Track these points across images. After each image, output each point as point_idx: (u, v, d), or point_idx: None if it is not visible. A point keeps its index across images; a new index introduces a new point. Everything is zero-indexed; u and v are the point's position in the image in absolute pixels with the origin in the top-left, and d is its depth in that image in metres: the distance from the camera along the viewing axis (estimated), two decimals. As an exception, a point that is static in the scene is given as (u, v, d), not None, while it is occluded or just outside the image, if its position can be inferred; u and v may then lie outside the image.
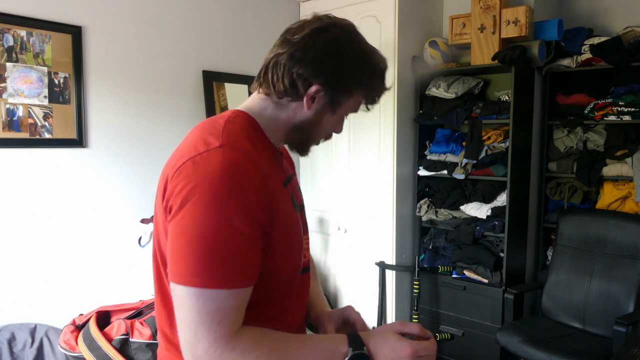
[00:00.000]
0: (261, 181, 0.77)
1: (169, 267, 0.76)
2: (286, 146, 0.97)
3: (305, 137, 0.92)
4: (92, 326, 2.09)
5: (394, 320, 3.07)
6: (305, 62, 0.83)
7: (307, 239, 1.00)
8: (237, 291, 0.74)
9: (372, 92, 0.90)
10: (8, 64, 2.18)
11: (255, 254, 0.76)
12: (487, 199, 2.86)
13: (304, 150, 0.95)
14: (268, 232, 0.79)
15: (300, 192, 1.03)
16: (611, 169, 2.69)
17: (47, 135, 2.30)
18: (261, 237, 0.77)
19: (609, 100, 2.70)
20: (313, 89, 0.84)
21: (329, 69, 0.84)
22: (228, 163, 0.75)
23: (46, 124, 2.30)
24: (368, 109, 0.94)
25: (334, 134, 0.97)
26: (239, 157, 0.77)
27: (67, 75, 2.36)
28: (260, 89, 0.89)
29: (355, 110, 0.93)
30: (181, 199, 0.74)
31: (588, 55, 2.77)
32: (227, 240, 0.72)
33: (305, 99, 0.86)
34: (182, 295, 0.73)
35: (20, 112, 2.22)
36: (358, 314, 1.03)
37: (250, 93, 0.96)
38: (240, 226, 0.73)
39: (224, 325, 0.73)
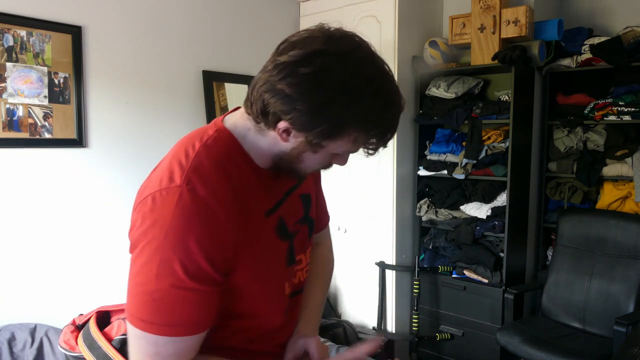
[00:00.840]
0: (221, 226, 0.73)
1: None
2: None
3: (291, 168, 0.82)
4: (92, 326, 2.08)
5: (394, 320, 3.07)
6: (275, 93, 0.71)
7: (304, 258, 0.95)
8: (178, 339, 0.73)
9: (370, 133, 0.75)
10: (8, 64, 2.18)
11: (202, 303, 0.74)
12: (487, 199, 2.86)
13: (296, 177, 0.86)
14: (229, 275, 0.77)
15: (308, 199, 0.97)
16: (611, 169, 2.69)
17: (47, 135, 2.30)
18: (214, 284, 0.74)
19: (609, 100, 2.70)
20: (281, 125, 0.74)
21: (300, 107, 0.70)
22: (181, 210, 0.70)
23: (46, 124, 2.30)
24: (369, 154, 0.79)
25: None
26: (196, 201, 0.72)
27: (67, 75, 2.36)
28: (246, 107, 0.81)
29: (352, 150, 0.79)
30: (136, 237, 0.74)
31: (588, 55, 2.77)
32: (169, 290, 0.70)
33: (277, 133, 0.76)
34: (129, 332, 0.75)
35: (20, 112, 2.22)
36: (318, 348, 0.96)
37: None
38: (184, 278, 0.70)
39: None
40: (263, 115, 0.75)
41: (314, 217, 0.99)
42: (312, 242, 1.00)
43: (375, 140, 0.76)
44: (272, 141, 0.79)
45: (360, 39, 0.75)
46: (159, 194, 0.73)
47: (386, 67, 0.75)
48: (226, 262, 0.75)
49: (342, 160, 0.83)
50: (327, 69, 0.69)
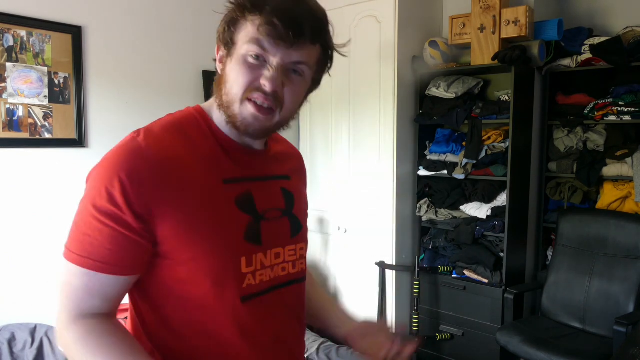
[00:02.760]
0: (150, 175, 0.74)
1: None
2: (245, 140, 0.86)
3: (224, 103, 0.81)
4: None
5: (394, 320, 3.06)
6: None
7: (282, 252, 0.89)
8: (87, 272, 0.74)
9: (265, 8, 0.76)
10: (8, 64, 2.18)
11: (117, 244, 0.73)
12: (487, 199, 2.86)
13: (240, 124, 0.81)
14: (142, 225, 0.74)
15: (291, 197, 0.93)
16: (611, 169, 2.69)
17: (47, 135, 2.30)
18: (128, 228, 0.73)
19: (609, 100, 2.70)
20: (216, 50, 0.84)
21: (221, 28, 0.82)
22: (121, 149, 0.77)
23: (46, 124, 2.30)
24: (275, 39, 0.76)
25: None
26: (134, 144, 0.76)
27: (67, 75, 2.36)
28: None
29: (258, 39, 0.77)
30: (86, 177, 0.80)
31: (588, 55, 2.77)
32: (88, 220, 0.74)
33: (217, 65, 0.85)
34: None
35: (20, 112, 2.22)
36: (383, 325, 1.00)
37: None
38: (101, 208, 0.73)
39: (69, 302, 0.75)
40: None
41: (300, 217, 0.94)
42: (302, 245, 0.94)
43: (273, 18, 0.75)
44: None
45: None
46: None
47: None
48: (147, 207, 0.74)
49: (265, 72, 0.78)
50: None
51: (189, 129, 0.82)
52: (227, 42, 0.80)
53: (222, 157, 0.83)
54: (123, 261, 0.75)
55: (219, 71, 0.83)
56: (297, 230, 0.93)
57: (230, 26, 0.79)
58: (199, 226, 0.77)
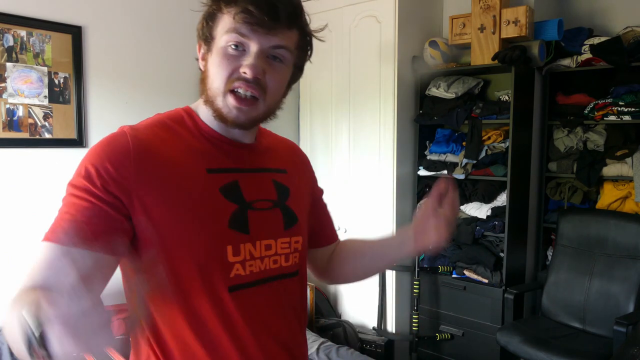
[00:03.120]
0: (123, 158, 0.76)
1: None
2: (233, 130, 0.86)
3: (208, 98, 0.82)
4: (92, 326, 2.09)
5: (394, 320, 3.07)
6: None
7: (274, 244, 0.87)
8: (52, 246, 0.73)
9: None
10: (8, 64, 2.18)
11: (86, 211, 0.73)
12: (487, 199, 2.86)
13: (224, 118, 0.82)
14: (128, 204, 0.75)
15: (284, 189, 0.92)
16: (611, 169, 2.69)
17: (47, 135, 2.30)
18: (104, 202, 0.74)
19: (609, 100, 2.70)
20: (197, 48, 0.86)
21: (200, 24, 0.84)
22: (106, 140, 0.79)
23: (46, 124, 2.30)
24: (249, 19, 0.77)
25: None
26: (117, 136, 0.79)
27: (67, 75, 2.36)
28: None
29: (235, 29, 0.78)
30: None
31: (588, 55, 2.77)
32: (63, 200, 0.76)
33: (200, 61, 0.86)
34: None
35: (20, 112, 2.22)
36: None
37: None
38: (77, 183, 0.75)
39: (25, 278, 0.74)
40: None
41: (294, 209, 0.93)
42: (297, 239, 0.92)
43: (248, 5, 0.76)
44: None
45: None
46: None
47: None
48: (123, 189, 0.75)
49: (245, 59, 0.78)
50: None
51: (174, 125, 0.85)
52: (207, 37, 0.82)
53: (208, 149, 0.84)
54: (94, 234, 0.73)
55: (202, 68, 0.85)
56: (291, 223, 0.91)
57: (208, 21, 0.81)
58: (179, 213, 0.78)
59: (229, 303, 0.80)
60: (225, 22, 0.79)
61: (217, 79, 0.80)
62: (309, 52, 0.89)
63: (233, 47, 0.78)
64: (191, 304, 0.79)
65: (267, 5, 0.77)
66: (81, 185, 0.75)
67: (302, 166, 1.04)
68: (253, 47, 0.78)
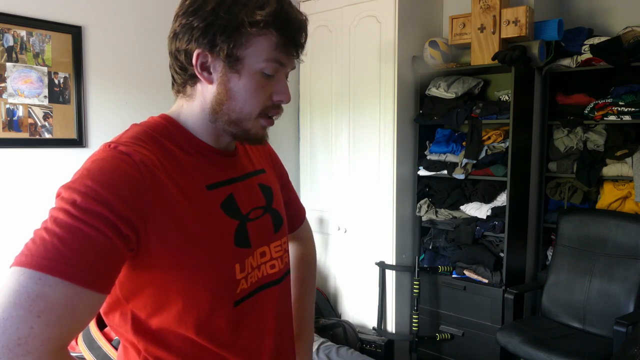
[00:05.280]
0: (136, 182, 0.68)
1: None
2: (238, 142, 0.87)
3: (232, 119, 0.78)
4: (92, 326, 2.09)
5: (394, 320, 3.06)
6: (176, 37, 0.78)
7: (268, 250, 0.87)
8: (72, 287, 0.60)
9: (273, 24, 0.73)
10: (8, 64, 2.18)
11: (99, 249, 0.63)
12: (487, 199, 2.86)
13: (250, 138, 0.81)
14: (139, 237, 0.68)
15: (269, 190, 0.92)
16: (611, 169, 2.69)
17: (47, 135, 2.30)
18: (112, 228, 0.64)
19: (609, 100, 2.70)
20: (195, 60, 0.76)
21: (196, 24, 0.74)
22: (99, 161, 0.70)
23: (46, 124, 2.30)
24: (295, 56, 0.78)
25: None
26: (110, 154, 0.70)
27: (67, 75, 2.36)
28: (175, 92, 0.86)
29: (273, 57, 0.75)
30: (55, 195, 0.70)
31: (588, 55, 2.77)
32: (69, 225, 0.62)
33: (198, 74, 0.77)
34: (4, 278, 0.62)
35: (20, 112, 2.22)
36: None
37: None
38: (87, 206, 0.63)
39: (49, 329, 0.58)
40: (181, 69, 0.79)
41: (279, 210, 0.93)
42: (285, 239, 0.94)
43: (292, 37, 0.75)
44: (201, 99, 0.79)
45: None
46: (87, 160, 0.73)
47: None
48: (137, 216, 0.67)
49: (279, 86, 0.78)
50: None
51: (161, 138, 0.78)
52: (229, 55, 0.75)
53: (201, 163, 0.80)
54: (107, 273, 0.65)
55: (204, 80, 0.78)
56: (279, 225, 0.91)
57: (231, 37, 0.74)
58: (190, 237, 0.73)
59: (232, 317, 0.80)
60: (263, 48, 0.75)
61: (250, 104, 0.77)
62: None
63: (268, 73, 0.77)
64: (196, 321, 0.76)
65: (304, 34, 0.79)
66: (93, 210, 0.64)
67: (269, 158, 1.03)
68: (283, 72, 0.79)
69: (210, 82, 0.77)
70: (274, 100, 0.79)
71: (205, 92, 0.79)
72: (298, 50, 0.78)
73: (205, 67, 0.77)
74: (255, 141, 0.82)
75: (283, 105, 0.83)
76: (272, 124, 0.81)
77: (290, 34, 0.75)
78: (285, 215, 0.97)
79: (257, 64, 0.75)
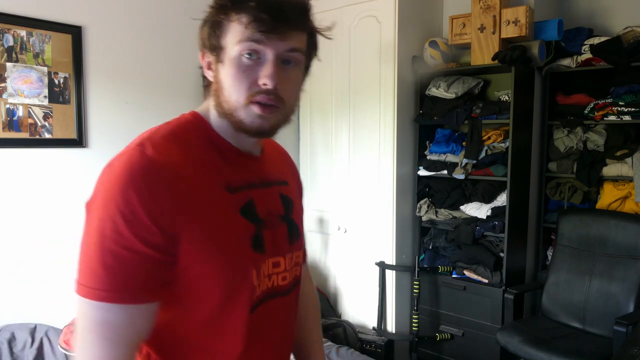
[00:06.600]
0: (167, 188, 0.70)
1: None
2: (246, 137, 0.83)
3: (226, 111, 0.79)
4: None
5: (394, 320, 3.06)
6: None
7: (283, 262, 0.86)
8: (126, 307, 0.68)
9: (250, 4, 0.74)
10: (8, 64, 2.18)
11: (143, 266, 0.69)
12: (487, 199, 2.86)
13: (247, 128, 0.78)
14: (169, 242, 0.71)
15: (289, 202, 0.92)
16: (611, 169, 2.69)
17: (47, 135, 2.30)
18: (152, 248, 0.69)
19: (609, 100, 2.70)
20: (200, 56, 0.82)
21: (200, 26, 0.81)
22: (130, 165, 0.70)
23: (46, 124, 2.30)
24: (263, 26, 0.74)
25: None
26: (142, 158, 0.71)
27: (67, 75, 2.36)
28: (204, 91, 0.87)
29: (248, 37, 0.75)
30: (87, 202, 0.72)
31: (588, 55, 2.77)
32: (111, 249, 0.67)
33: (204, 72, 0.83)
34: (75, 302, 0.70)
35: (20, 112, 2.22)
36: None
37: None
38: (127, 234, 0.67)
39: (116, 344, 0.68)
40: (201, 69, 0.84)
41: (297, 222, 0.93)
42: (300, 253, 0.93)
43: (260, 13, 0.73)
44: (212, 94, 0.82)
45: None
46: (113, 160, 0.73)
47: None
48: (171, 222, 0.70)
49: (263, 69, 0.76)
50: None
51: (189, 138, 0.80)
52: (214, 46, 0.78)
53: (224, 165, 0.81)
54: (158, 283, 0.71)
55: (210, 78, 0.81)
56: (296, 237, 0.91)
57: (214, 30, 0.77)
58: (212, 239, 0.74)
59: (248, 324, 0.80)
60: (236, 31, 0.75)
61: (235, 91, 0.76)
62: (316, 50, 0.87)
63: (247, 56, 0.75)
64: (210, 324, 0.78)
65: (279, 10, 0.74)
66: (133, 232, 0.67)
67: (293, 173, 1.03)
68: (269, 54, 0.75)
69: (211, 78, 0.81)
70: (259, 85, 0.76)
71: (211, 89, 0.82)
72: (274, 26, 0.74)
73: (209, 67, 0.81)
74: (256, 133, 0.79)
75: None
76: (268, 111, 0.77)
77: (260, 9, 0.73)
78: (302, 229, 0.96)
79: (234, 48, 0.76)
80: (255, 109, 0.76)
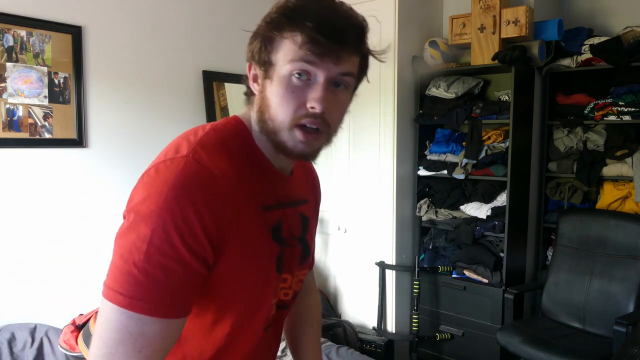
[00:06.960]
0: (221, 201, 0.69)
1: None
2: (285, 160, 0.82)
3: (269, 129, 0.76)
4: (92, 326, 2.09)
5: (394, 320, 3.06)
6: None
7: (290, 278, 0.86)
8: (162, 321, 0.66)
9: (306, 25, 0.71)
10: (8, 64, 2.18)
11: (188, 281, 0.67)
12: (487, 199, 2.86)
13: (288, 151, 0.76)
14: (214, 258, 0.70)
15: (307, 222, 0.91)
16: (611, 169, 2.69)
17: (47, 135, 2.30)
18: (206, 265, 0.68)
19: (609, 100, 2.70)
20: (247, 68, 0.80)
21: (250, 38, 0.78)
22: (184, 174, 0.67)
23: (46, 124, 2.30)
24: (318, 49, 0.71)
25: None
26: (200, 169, 0.68)
27: (67, 75, 2.36)
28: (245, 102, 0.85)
29: (300, 57, 0.72)
30: (133, 207, 0.67)
31: (588, 55, 2.77)
32: (159, 260, 0.64)
33: (250, 85, 0.80)
34: (104, 309, 0.66)
35: (20, 112, 2.22)
36: None
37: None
38: (181, 249, 0.65)
39: (145, 357, 0.65)
40: (246, 81, 0.81)
41: (310, 243, 0.92)
42: (304, 274, 0.93)
43: (316, 34, 0.70)
44: (255, 107, 0.80)
45: None
46: (162, 165, 0.69)
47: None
48: (221, 237, 0.69)
49: (312, 91, 0.73)
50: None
51: (234, 148, 0.77)
52: (264, 62, 0.74)
53: (262, 181, 0.79)
54: (190, 297, 0.69)
55: (254, 91, 0.79)
56: (306, 257, 0.91)
57: (265, 45, 0.74)
58: (248, 258, 0.74)
59: (259, 340, 0.82)
60: (289, 49, 0.72)
61: (281, 112, 0.73)
62: (366, 72, 0.84)
63: (297, 75, 0.72)
64: (225, 337, 0.78)
65: (336, 32, 0.71)
66: (192, 261, 0.66)
67: (315, 188, 1.02)
68: (320, 76, 0.72)
69: (256, 92, 0.78)
70: (307, 108, 0.73)
71: (255, 103, 0.79)
72: (329, 49, 0.71)
73: (256, 79, 0.79)
74: (298, 157, 0.78)
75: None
76: (311, 138, 0.74)
77: (316, 30, 0.70)
78: (314, 248, 0.97)
79: (284, 67, 0.72)
80: (299, 135, 0.74)
